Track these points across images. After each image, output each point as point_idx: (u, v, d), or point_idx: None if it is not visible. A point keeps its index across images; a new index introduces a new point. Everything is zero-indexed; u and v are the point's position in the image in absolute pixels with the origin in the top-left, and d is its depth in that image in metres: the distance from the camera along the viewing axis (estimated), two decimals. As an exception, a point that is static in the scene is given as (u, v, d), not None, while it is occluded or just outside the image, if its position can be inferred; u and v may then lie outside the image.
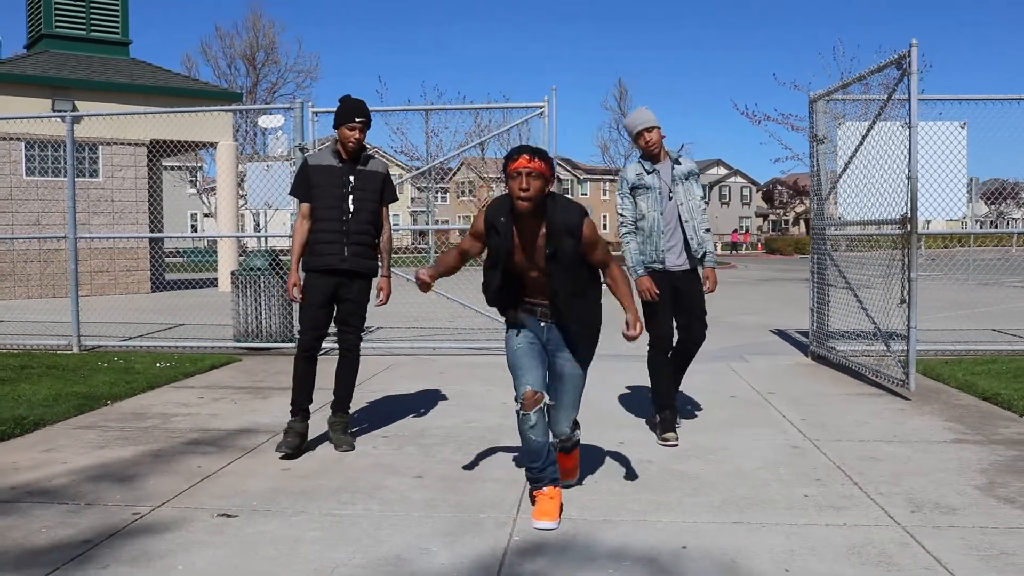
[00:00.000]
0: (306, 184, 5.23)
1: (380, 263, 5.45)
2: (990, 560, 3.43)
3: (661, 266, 5.40)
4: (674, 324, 5.54)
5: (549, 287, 3.94)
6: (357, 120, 5.16)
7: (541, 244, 3.88)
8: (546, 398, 3.98)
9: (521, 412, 3.88)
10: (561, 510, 3.96)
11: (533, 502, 3.97)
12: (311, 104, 9.11)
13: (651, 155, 5.42)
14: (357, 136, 5.18)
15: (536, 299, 4.03)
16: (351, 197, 5.21)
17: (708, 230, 5.56)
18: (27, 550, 3.54)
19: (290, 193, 5.47)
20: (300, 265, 5.26)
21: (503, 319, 4.18)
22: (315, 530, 3.80)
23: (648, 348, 5.55)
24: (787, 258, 48.65)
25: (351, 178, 5.22)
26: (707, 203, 5.77)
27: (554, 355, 4.09)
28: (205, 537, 3.70)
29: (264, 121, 9.83)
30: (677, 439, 5.33)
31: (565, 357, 4.08)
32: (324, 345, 5.49)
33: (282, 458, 4.99)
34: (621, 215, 5.51)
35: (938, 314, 12.39)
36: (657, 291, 5.38)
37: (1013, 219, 46.44)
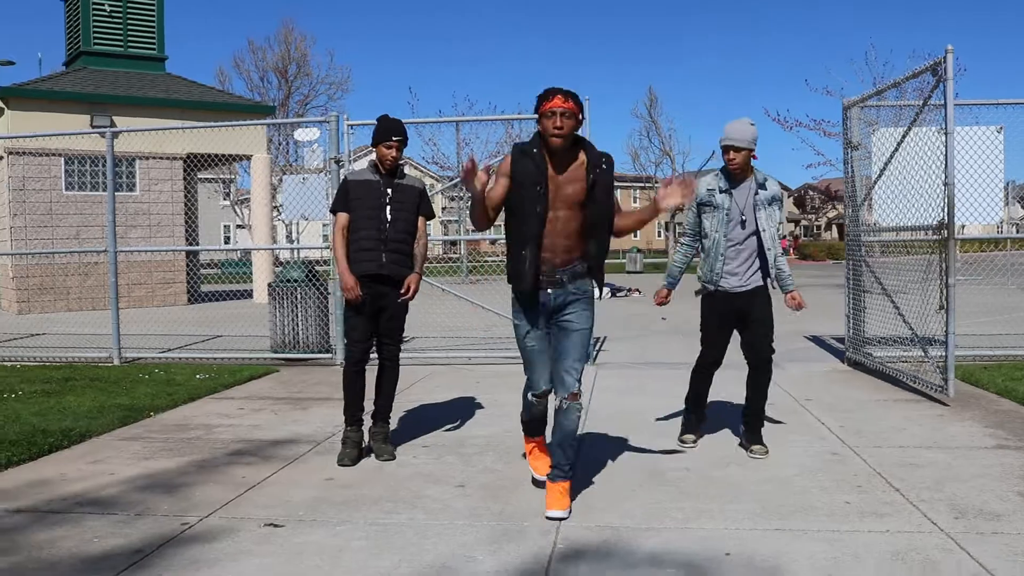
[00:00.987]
0: (345, 197, 5.41)
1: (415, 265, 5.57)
2: (1036, 567, 3.41)
3: (715, 287, 5.28)
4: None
5: (584, 225, 4.05)
6: (394, 139, 5.34)
7: (574, 181, 4.02)
8: (549, 395, 4.29)
9: (535, 401, 4.35)
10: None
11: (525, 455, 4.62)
12: (346, 117, 9.21)
13: (732, 173, 5.23)
14: (394, 155, 5.37)
15: (557, 259, 4.07)
16: (388, 208, 5.37)
17: (784, 252, 5.40)
18: (81, 559, 3.63)
19: (331, 210, 5.63)
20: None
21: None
22: (360, 539, 3.86)
23: (697, 358, 5.55)
24: (820, 263, 48.25)
25: (389, 191, 5.39)
26: (804, 221, 5.60)
27: (563, 313, 4.16)
28: (253, 546, 3.77)
29: (300, 134, 9.93)
30: (694, 443, 5.48)
31: (575, 315, 4.16)
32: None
33: (342, 466, 5.13)
34: (682, 225, 5.52)
35: (976, 319, 12.26)
36: (666, 302, 5.54)
37: (1050, 222, 45.75)
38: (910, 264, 8.28)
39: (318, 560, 3.60)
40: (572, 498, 4.27)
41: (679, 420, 6.22)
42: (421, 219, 5.55)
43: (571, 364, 4.13)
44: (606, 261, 4.25)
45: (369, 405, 5.51)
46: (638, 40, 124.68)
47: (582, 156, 4.08)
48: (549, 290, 4.12)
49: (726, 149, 5.16)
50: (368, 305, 5.36)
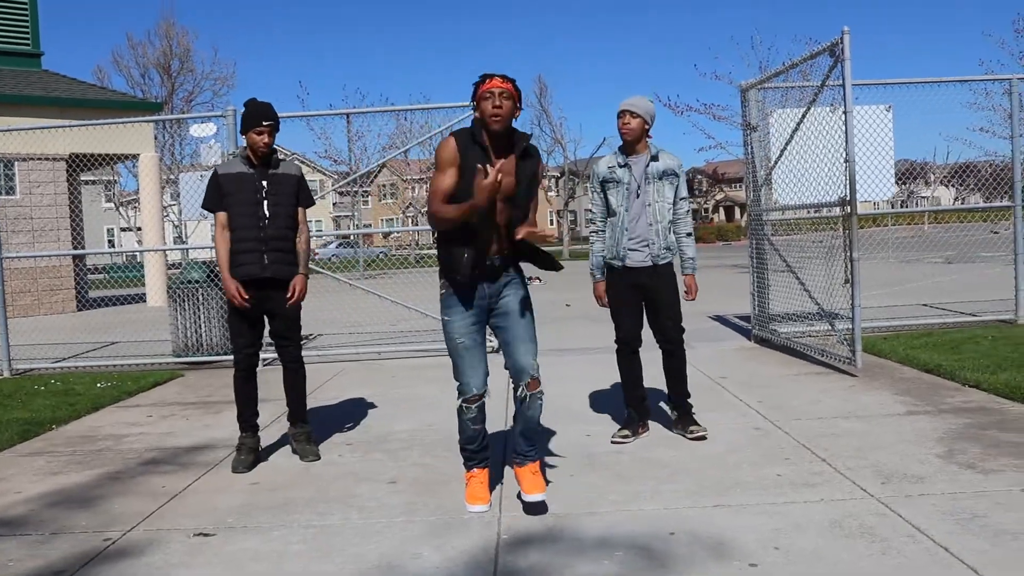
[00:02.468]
0: (218, 193, 5.03)
1: (299, 263, 5.22)
2: (966, 523, 3.53)
3: (621, 263, 5.18)
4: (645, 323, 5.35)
5: (515, 211, 3.89)
6: (265, 124, 4.96)
7: (511, 170, 3.87)
8: (487, 394, 4.04)
9: (464, 406, 4.01)
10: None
11: (467, 484, 4.16)
12: (233, 109, 8.89)
13: (626, 143, 5.16)
14: (266, 140, 4.99)
15: (492, 248, 3.92)
16: (266, 203, 5.02)
17: (690, 234, 5.26)
18: (-2, 584, 3.39)
19: (203, 207, 5.20)
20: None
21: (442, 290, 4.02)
22: (298, 543, 3.71)
23: (615, 349, 5.41)
24: (711, 245, 49.51)
25: (264, 183, 5.03)
26: (691, 204, 5.39)
27: (501, 299, 4.01)
28: (185, 558, 3.58)
29: (196, 130, 9.56)
30: (627, 439, 5.19)
31: (514, 298, 4.02)
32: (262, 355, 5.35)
33: (236, 473, 4.90)
34: (591, 211, 5.32)
35: (869, 292, 12.74)
36: (606, 300, 5.29)
37: (922, 198, 48.07)
38: (812, 241, 8.54)
39: (258, 568, 3.45)
40: (514, 486, 4.23)
41: (605, 404, 6.25)
42: (301, 209, 5.22)
43: (526, 347, 3.97)
44: None
45: (270, 406, 5.29)
46: (528, 25, 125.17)
47: (512, 144, 3.92)
48: (485, 283, 3.97)
49: (621, 114, 5.11)
50: (254, 309, 5.04)
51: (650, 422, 5.47)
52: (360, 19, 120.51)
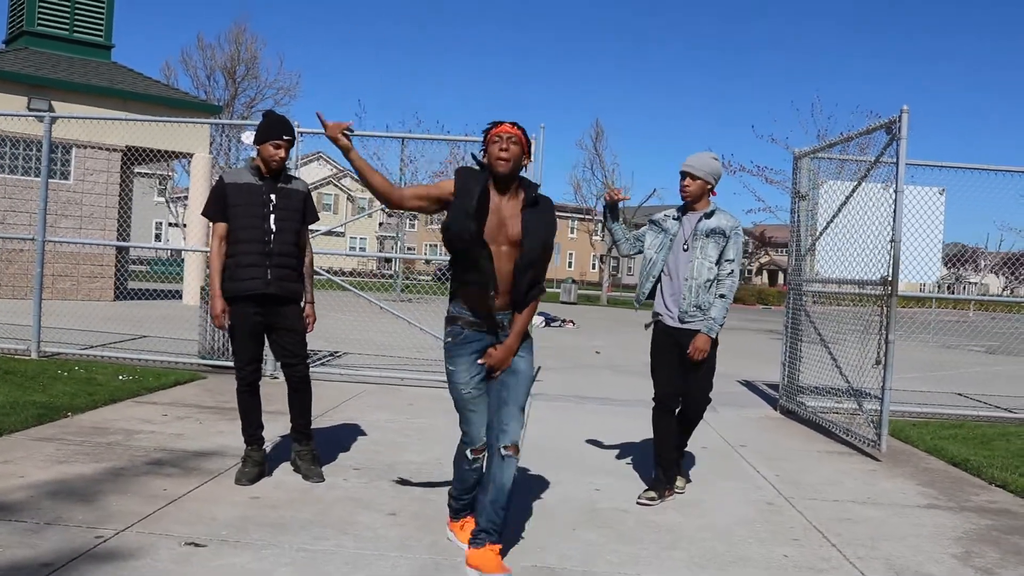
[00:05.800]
0: (222, 203, 4.90)
1: (304, 289, 5.18)
2: (974, 636, 3.38)
3: (664, 315, 5.16)
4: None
5: (516, 264, 3.77)
6: (284, 138, 4.91)
7: (514, 216, 3.79)
8: (485, 450, 3.89)
9: (471, 456, 3.89)
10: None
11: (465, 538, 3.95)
12: (297, 124, 8.99)
13: (685, 203, 5.16)
14: (282, 155, 4.93)
15: (504, 307, 3.83)
16: (273, 217, 4.93)
17: (723, 296, 5.05)
18: (-17, 570, 3.37)
19: (203, 214, 5.06)
20: (222, 292, 4.92)
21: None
22: (286, 565, 3.66)
23: (653, 406, 5.30)
24: (750, 308, 49.06)
25: (272, 196, 4.95)
26: (735, 269, 5.27)
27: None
28: (172, 567, 3.55)
29: (247, 137, 9.66)
30: (653, 501, 5.03)
31: (522, 359, 3.91)
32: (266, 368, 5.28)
33: (239, 485, 4.86)
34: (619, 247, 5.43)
35: (904, 374, 12.48)
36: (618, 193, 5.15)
37: (970, 283, 47.36)
38: (849, 316, 8.38)
39: (241, 586, 3.40)
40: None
41: (618, 457, 6.16)
42: (304, 229, 5.15)
43: (515, 411, 3.84)
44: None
45: (276, 421, 5.24)
46: (589, 72, 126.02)
47: (521, 193, 3.85)
48: (490, 337, 3.86)
49: (682, 175, 5.11)
50: (254, 326, 4.97)
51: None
52: (423, 48, 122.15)
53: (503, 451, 3.79)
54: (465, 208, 3.70)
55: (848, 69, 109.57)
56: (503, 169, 3.76)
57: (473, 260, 3.72)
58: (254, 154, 5.07)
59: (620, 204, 5.27)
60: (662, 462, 5.21)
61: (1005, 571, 4.21)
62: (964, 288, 46.16)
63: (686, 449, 5.66)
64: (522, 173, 3.89)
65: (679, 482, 5.32)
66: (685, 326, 5.08)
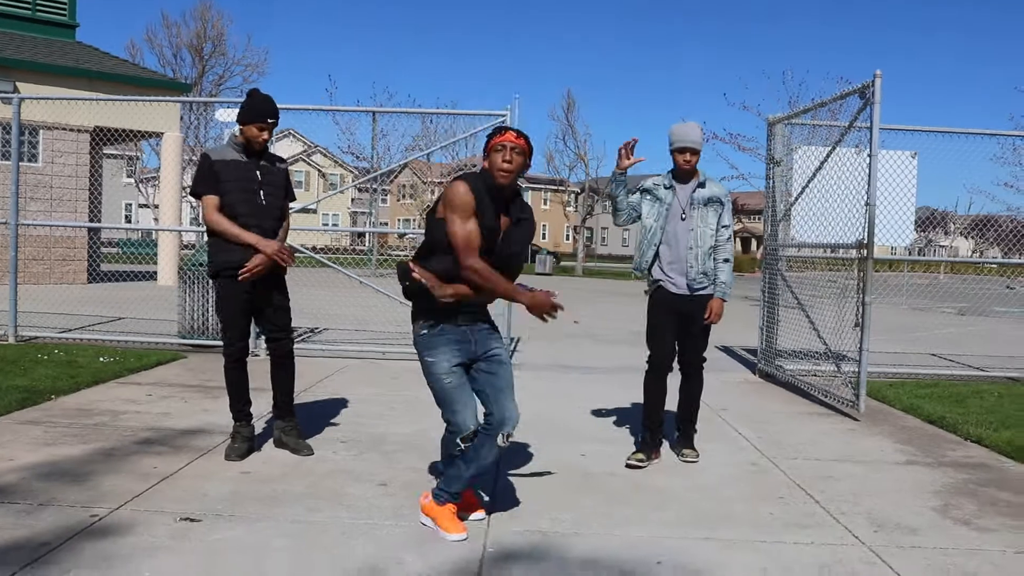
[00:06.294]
0: (214, 179, 4.93)
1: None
2: (955, 583, 3.50)
3: (665, 280, 5.26)
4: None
5: (509, 266, 3.86)
6: (268, 121, 4.95)
7: (505, 224, 3.85)
8: (474, 432, 3.86)
9: (463, 444, 3.82)
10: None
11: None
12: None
13: (682, 173, 5.26)
14: (266, 137, 4.98)
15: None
16: (262, 192, 5.01)
17: (728, 260, 5.28)
18: (-19, 550, 3.39)
19: (192, 192, 5.06)
20: (219, 262, 4.94)
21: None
22: (282, 537, 3.71)
23: (646, 367, 5.40)
24: (724, 275, 49.45)
25: (258, 173, 5.02)
26: (731, 233, 5.40)
27: (487, 345, 3.93)
28: (169, 542, 3.58)
29: (222, 114, 9.58)
30: (642, 462, 5.14)
31: (500, 349, 3.97)
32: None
33: (229, 461, 4.90)
34: (617, 202, 5.35)
35: (878, 337, 12.67)
36: (631, 155, 5.09)
37: (940, 247, 47.95)
38: (825, 280, 8.50)
39: (239, 558, 3.44)
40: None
41: (603, 424, 6.24)
42: (285, 203, 5.23)
43: (511, 400, 3.88)
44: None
45: (257, 399, 5.29)
46: (558, 42, 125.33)
47: (512, 200, 3.88)
48: (468, 328, 3.90)
49: (683, 151, 5.18)
50: (245, 303, 5.01)
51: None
52: (392, 20, 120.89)
53: (504, 439, 3.81)
54: (489, 227, 3.73)
55: (820, 38, 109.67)
56: (505, 181, 3.76)
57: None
58: (236, 131, 5.06)
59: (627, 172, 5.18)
60: (651, 425, 5.31)
61: (982, 520, 4.34)
62: (935, 251, 46.74)
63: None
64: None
65: (690, 454, 5.36)
66: (695, 294, 5.23)
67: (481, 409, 3.86)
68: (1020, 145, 14.61)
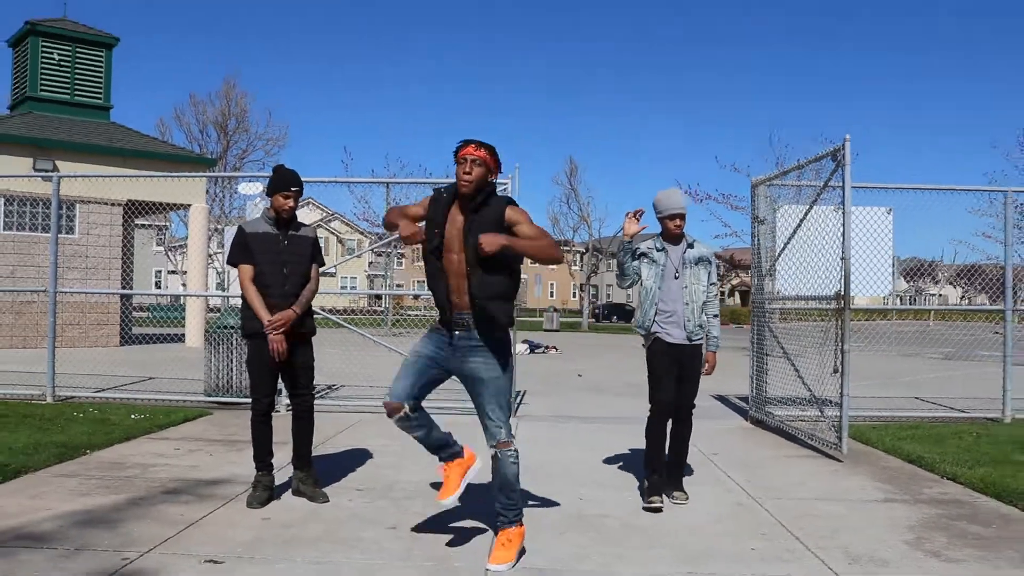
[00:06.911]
0: (247, 250, 5.23)
1: (298, 303, 5.33)
2: (921, 609, 3.59)
3: (662, 332, 5.47)
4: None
5: (470, 282, 4.02)
6: (292, 189, 5.23)
7: (460, 223, 4.07)
8: (405, 409, 4.17)
9: (387, 411, 4.24)
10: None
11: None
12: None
13: (672, 237, 5.52)
14: (291, 204, 5.25)
15: (466, 307, 4.08)
16: (288, 260, 5.26)
17: (716, 316, 5.58)
18: (23, 592, 3.53)
19: (228, 261, 5.39)
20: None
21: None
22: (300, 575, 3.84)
23: (649, 412, 5.57)
24: (723, 327, 49.50)
25: (286, 243, 5.28)
26: (720, 289, 5.69)
27: (471, 362, 4.12)
28: (195, 581, 3.72)
29: (244, 188, 9.90)
30: (662, 503, 5.27)
31: (482, 362, 4.11)
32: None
33: (251, 508, 5.04)
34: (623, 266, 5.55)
35: (866, 382, 12.75)
36: (638, 222, 5.31)
37: (930, 295, 47.93)
38: (809, 330, 8.63)
39: (259, 596, 3.57)
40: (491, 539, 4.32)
41: (600, 469, 6.34)
42: (314, 266, 5.46)
43: (491, 414, 4.10)
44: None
45: (288, 451, 5.45)
46: (560, 112, 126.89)
47: (483, 203, 4.08)
48: (456, 332, 4.12)
49: (672, 217, 5.45)
50: (274, 360, 5.20)
51: (631, 492, 5.66)
52: (404, 95, 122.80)
53: (494, 450, 4.11)
54: (436, 221, 4.09)
55: (802, 90, 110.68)
56: (465, 190, 4.05)
57: (429, 270, 4.10)
58: (268, 204, 5.36)
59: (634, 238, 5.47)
60: (656, 467, 5.45)
61: (951, 551, 4.43)
62: (925, 299, 46.72)
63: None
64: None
65: (680, 496, 5.47)
66: (692, 343, 5.48)
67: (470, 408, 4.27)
68: (996, 198, 14.81)
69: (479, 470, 4.40)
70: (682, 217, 5.46)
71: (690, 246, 5.55)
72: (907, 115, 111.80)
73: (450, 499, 4.22)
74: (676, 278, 5.49)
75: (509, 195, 9.26)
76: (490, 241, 3.84)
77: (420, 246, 4.12)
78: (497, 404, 4.12)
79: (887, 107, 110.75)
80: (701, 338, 5.53)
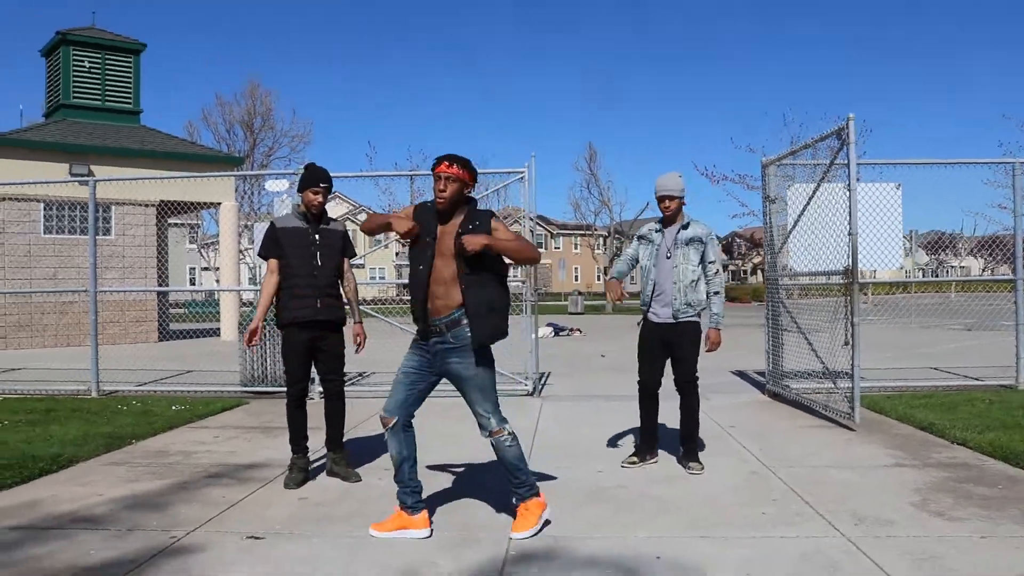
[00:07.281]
0: (276, 244, 5.43)
1: (351, 312, 5.69)
2: (923, 563, 3.73)
3: (649, 312, 5.74)
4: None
5: (461, 289, 4.15)
6: (321, 185, 5.42)
7: (451, 234, 4.19)
8: (393, 421, 4.32)
9: (382, 422, 4.38)
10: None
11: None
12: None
13: (666, 219, 5.74)
14: (321, 200, 5.43)
15: (441, 312, 4.20)
16: (319, 254, 5.44)
17: (717, 293, 5.64)
18: (82, 568, 3.76)
19: (259, 254, 5.60)
20: (265, 320, 5.40)
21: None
22: (334, 549, 4.04)
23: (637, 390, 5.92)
24: (745, 305, 49.17)
25: (316, 236, 5.46)
26: (719, 268, 5.78)
27: (450, 364, 4.26)
28: (238, 556, 3.93)
29: (271, 185, 10.10)
30: (634, 464, 5.73)
31: (459, 363, 4.24)
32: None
33: (288, 489, 5.26)
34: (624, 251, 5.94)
35: (883, 354, 12.79)
36: (617, 293, 5.73)
37: (951, 267, 47.45)
38: (821, 305, 8.71)
39: (299, 568, 3.78)
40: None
41: (619, 445, 6.52)
42: (345, 260, 5.65)
43: (478, 407, 4.28)
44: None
45: (323, 435, 5.66)
46: (580, 97, 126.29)
47: (463, 214, 4.24)
48: (432, 339, 4.27)
49: (662, 199, 5.65)
50: (305, 350, 5.44)
51: (661, 459, 5.89)
52: (426, 86, 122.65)
53: (488, 438, 4.31)
54: (420, 242, 4.25)
55: (816, 82, 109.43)
56: (442, 206, 4.23)
57: (412, 275, 4.28)
58: (299, 200, 5.57)
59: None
60: (643, 433, 5.85)
61: (956, 511, 4.55)
62: (947, 272, 46.24)
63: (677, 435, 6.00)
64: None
65: (695, 467, 5.64)
66: (679, 321, 5.65)
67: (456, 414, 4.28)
68: (1010, 170, 14.72)
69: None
70: (671, 199, 5.63)
71: (684, 227, 5.70)
72: (936, 88, 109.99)
73: (381, 535, 4.23)
74: (668, 258, 5.68)
75: (525, 180, 9.49)
76: (472, 240, 4.02)
77: (407, 248, 4.33)
78: (483, 397, 4.28)
79: (907, 78, 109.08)
80: (691, 316, 5.64)
